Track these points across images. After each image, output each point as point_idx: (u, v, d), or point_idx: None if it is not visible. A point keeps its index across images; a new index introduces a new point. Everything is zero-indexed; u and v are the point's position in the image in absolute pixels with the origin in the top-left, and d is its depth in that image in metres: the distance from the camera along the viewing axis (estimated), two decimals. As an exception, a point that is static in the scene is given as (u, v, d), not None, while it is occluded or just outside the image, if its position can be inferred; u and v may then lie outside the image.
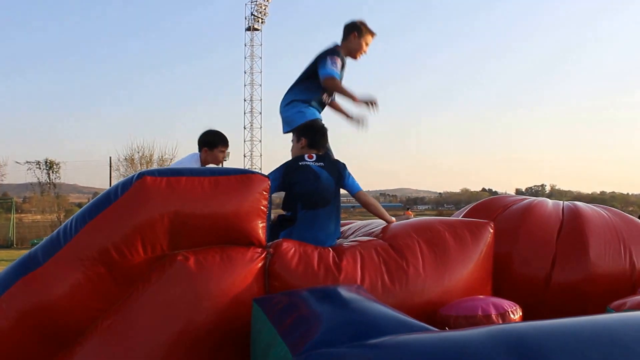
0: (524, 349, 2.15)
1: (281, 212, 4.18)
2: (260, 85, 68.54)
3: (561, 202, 4.93)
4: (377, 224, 4.32)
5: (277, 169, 4.07)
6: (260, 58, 68.67)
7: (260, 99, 68.47)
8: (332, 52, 4.74)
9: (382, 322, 2.50)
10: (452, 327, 3.24)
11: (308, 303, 2.75)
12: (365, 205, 4.28)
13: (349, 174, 4.20)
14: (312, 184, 3.96)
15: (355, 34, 4.91)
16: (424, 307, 3.51)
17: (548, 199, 5.00)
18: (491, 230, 3.98)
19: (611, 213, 4.75)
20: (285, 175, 4.00)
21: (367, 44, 4.97)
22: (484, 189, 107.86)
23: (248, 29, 68.17)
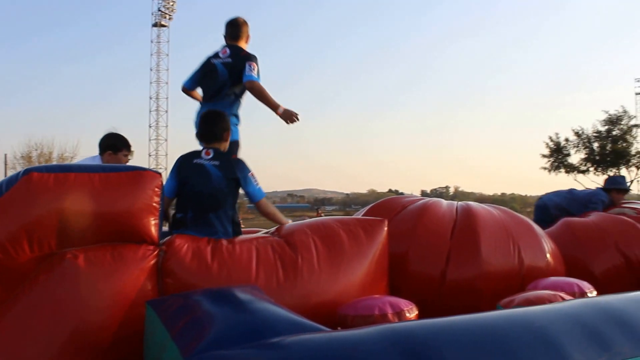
0: (413, 347, 2.20)
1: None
2: (167, 83, 67.44)
3: (455, 202, 5.06)
4: None
5: (172, 167, 3.92)
6: (167, 55, 67.55)
7: (167, 97, 67.42)
8: (250, 58, 4.72)
9: (274, 323, 2.49)
10: (349, 326, 3.26)
11: (201, 304, 2.70)
12: (265, 215, 4.14)
13: (252, 178, 3.97)
14: (202, 186, 3.78)
15: (249, 37, 5.00)
16: (319, 304, 3.52)
17: (443, 199, 5.12)
18: (385, 228, 4.02)
19: (501, 211, 4.91)
20: (179, 172, 3.84)
21: None
22: (390, 190, 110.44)
23: (155, 25, 66.86)
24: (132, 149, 4.87)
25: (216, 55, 4.90)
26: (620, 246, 5.23)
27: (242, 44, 4.95)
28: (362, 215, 4.79)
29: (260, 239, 3.72)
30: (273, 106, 4.65)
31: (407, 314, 3.41)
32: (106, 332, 3.06)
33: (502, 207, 5.17)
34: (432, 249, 4.45)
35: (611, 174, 36.48)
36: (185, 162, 3.89)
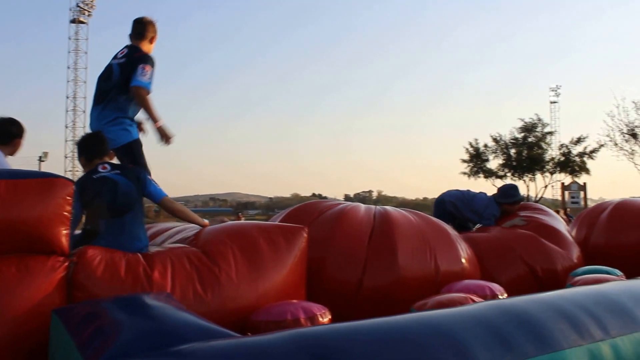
0: (321, 350, 2.23)
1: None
2: (85, 82, 65.12)
3: (373, 207, 5.09)
4: (192, 228, 4.22)
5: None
6: (86, 53, 65.42)
7: (85, 97, 64.91)
8: (144, 60, 4.57)
9: (183, 330, 2.46)
10: (262, 332, 3.25)
11: (110, 312, 2.63)
12: (172, 212, 4.10)
13: (151, 180, 3.99)
14: (112, 195, 3.72)
15: (154, 37, 4.86)
16: (238, 314, 3.47)
17: (362, 204, 5.14)
18: (305, 235, 4.00)
19: (417, 216, 4.99)
20: (82, 193, 3.69)
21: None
22: (314, 194, 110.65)
23: (73, 21, 64.58)
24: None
25: (115, 56, 4.76)
26: (526, 259, 5.42)
27: (145, 44, 4.80)
28: (280, 221, 4.76)
29: (177, 250, 3.65)
30: (153, 118, 4.56)
31: (320, 319, 3.43)
32: (11, 348, 2.92)
33: (418, 212, 5.25)
34: (349, 255, 4.47)
35: (526, 179, 37.86)
36: (87, 182, 3.80)
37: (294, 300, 3.70)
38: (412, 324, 2.64)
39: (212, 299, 3.45)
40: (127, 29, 4.87)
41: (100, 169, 3.83)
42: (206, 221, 4.21)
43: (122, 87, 4.57)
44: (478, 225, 6.45)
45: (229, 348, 2.20)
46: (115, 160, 4.33)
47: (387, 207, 5.13)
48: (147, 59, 4.58)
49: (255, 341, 2.29)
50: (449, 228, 5.10)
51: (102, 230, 3.69)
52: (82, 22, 64.71)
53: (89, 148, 4.02)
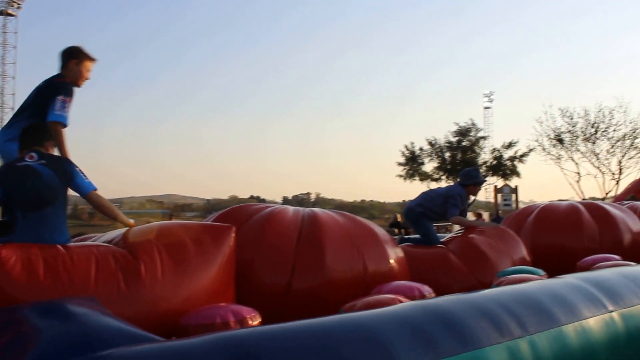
0: (243, 353, 2.24)
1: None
2: (14, 77, 63.02)
3: (302, 209, 5.14)
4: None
5: None
6: (15, 47, 63.27)
7: (13, 93, 62.72)
8: (64, 92, 4.52)
9: (105, 335, 2.42)
10: (190, 335, 3.22)
11: (28, 319, 2.55)
12: (98, 207, 4.01)
13: (79, 172, 3.89)
14: (33, 183, 3.61)
15: (74, 62, 4.74)
16: (165, 313, 3.41)
17: (290, 207, 5.17)
18: (232, 235, 3.95)
19: (345, 218, 5.06)
20: (2, 179, 3.62)
21: (87, 70, 4.82)
22: (252, 197, 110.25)
23: (0, 13, 62.32)
24: None
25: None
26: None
27: (67, 72, 4.72)
28: (210, 224, 4.71)
29: (101, 248, 3.54)
30: (63, 154, 4.43)
31: (250, 322, 3.42)
32: None
33: (346, 212, 5.33)
34: (277, 258, 4.50)
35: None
36: (9, 168, 3.72)
37: (224, 304, 3.67)
38: (337, 325, 2.67)
39: (137, 299, 3.35)
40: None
41: (27, 158, 3.73)
42: (132, 221, 4.14)
43: (33, 109, 4.56)
44: (450, 235, 6.74)
45: (151, 352, 2.18)
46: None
47: (316, 209, 5.18)
48: (66, 89, 4.53)
49: (177, 345, 2.28)
50: (377, 229, 5.19)
51: (20, 223, 3.57)
52: (10, 15, 62.43)
53: (22, 136, 3.96)
